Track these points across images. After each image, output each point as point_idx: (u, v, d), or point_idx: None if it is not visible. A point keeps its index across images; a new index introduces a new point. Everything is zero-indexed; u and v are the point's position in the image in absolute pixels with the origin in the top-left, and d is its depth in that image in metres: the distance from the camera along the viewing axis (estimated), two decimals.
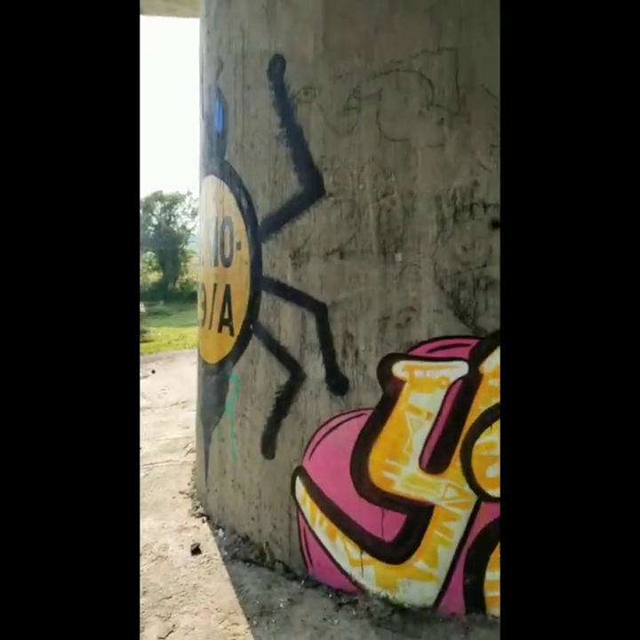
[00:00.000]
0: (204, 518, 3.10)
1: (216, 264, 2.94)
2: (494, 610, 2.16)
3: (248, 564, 2.64)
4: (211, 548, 2.82)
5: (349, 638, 2.11)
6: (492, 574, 2.15)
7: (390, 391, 2.22)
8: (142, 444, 4.40)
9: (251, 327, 2.65)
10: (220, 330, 2.93)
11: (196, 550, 2.79)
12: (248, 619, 2.25)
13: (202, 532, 2.97)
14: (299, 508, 2.48)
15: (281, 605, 2.32)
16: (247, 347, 2.68)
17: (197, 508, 3.23)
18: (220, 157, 2.80)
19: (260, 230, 2.55)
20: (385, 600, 2.26)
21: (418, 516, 2.20)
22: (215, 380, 3.00)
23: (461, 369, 2.12)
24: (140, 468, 3.88)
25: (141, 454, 4.15)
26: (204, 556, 2.75)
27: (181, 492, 3.46)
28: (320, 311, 2.34)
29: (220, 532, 2.92)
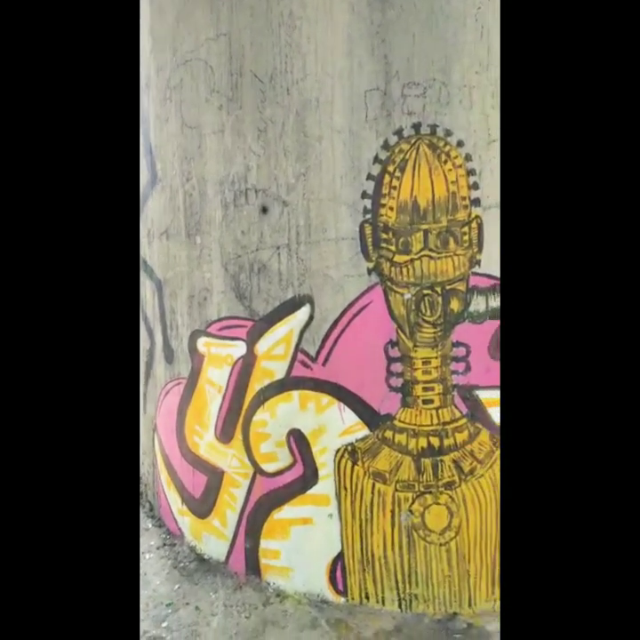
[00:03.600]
0: None
1: None
2: (268, 576, 2.29)
3: None
4: None
5: (145, 572, 2.45)
6: (266, 543, 2.27)
7: (196, 364, 2.41)
8: None
9: (140, 298, 3.01)
10: None
11: None
12: None
13: None
14: (155, 458, 2.84)
15: (145, 554, 2.73)
16: (140, 315, 3.06)
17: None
18: None
19: (141, 211, 2.86)
20: (192, 548, 2.53)
21: (214, 479, 2.40)
22: None
23: (241, 348, 2.23)
24: None
25: None
26: None
27: None
28: (159, 287, 2.60)
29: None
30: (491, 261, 1.93)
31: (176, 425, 2.56)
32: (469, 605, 2.06)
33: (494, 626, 2.01)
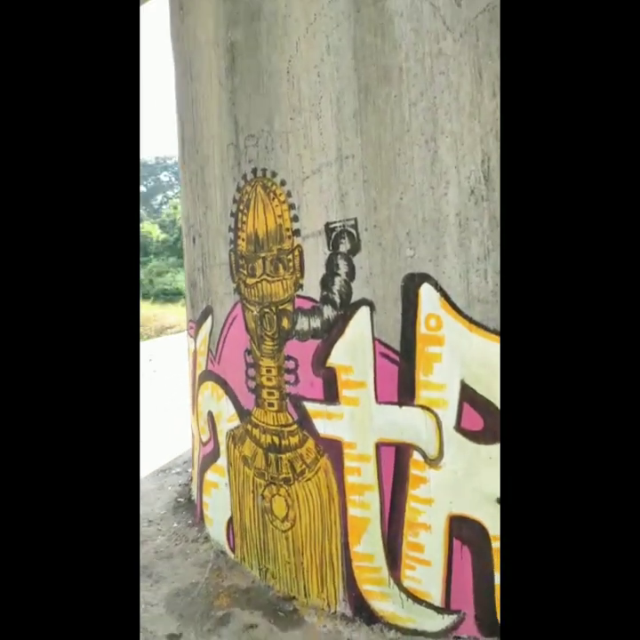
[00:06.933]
0: None
1: None
2: (206, 523, 2.94)
3: None
4: None
5: (159, 497, 3.42)
6: (204, 496, 2.92)
7: (188, 354, 3.23)
8: None
9: None
10: None
11: None
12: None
13: None
14: None
15: (169, 487, 3.78)
16: None
17: None
18: None
19: None
20: (189, 490, 3.39)
21: (194, 440, 3.18)
22: None
23: (192, 344, 2.94)
24: None
25: None
26: None
27: None
28: None
29: None
30: (311, 286, 2.11)
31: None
32: (305, 595, 2.29)
33: (313, 619, 2.21)
